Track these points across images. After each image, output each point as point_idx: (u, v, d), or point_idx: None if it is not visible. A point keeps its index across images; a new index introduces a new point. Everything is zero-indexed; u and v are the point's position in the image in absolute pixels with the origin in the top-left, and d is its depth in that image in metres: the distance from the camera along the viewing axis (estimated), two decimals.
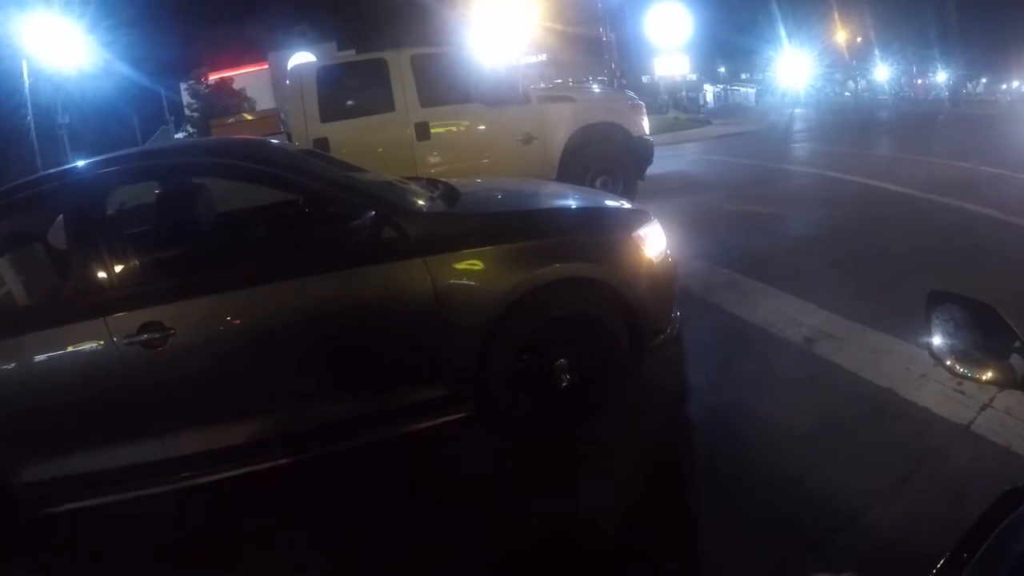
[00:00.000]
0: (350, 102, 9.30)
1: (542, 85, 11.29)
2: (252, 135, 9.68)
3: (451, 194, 4.15)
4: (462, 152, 9.13)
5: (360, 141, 8.59)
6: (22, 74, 20.33)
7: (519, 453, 3.71)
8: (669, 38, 26.07)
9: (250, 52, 31.24)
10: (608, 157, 9.55)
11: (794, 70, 37.68)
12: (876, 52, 56.04)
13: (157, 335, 3.16)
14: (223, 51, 30.73)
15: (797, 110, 30.17)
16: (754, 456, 3.50)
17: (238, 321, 3.37)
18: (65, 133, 23.08)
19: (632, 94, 11.38)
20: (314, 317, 3.43)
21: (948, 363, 1.54)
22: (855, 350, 4.54)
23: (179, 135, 24.96)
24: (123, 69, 23.81)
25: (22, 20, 19.13)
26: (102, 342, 3.16)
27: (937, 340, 1.55)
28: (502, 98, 9.14)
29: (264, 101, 26.62)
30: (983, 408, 3.69)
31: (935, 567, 1.11)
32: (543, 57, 22.25)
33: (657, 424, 3.98)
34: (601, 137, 9.58)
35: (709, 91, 52.73)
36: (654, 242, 3.99)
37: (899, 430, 3.63)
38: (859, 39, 54.55)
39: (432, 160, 8.96)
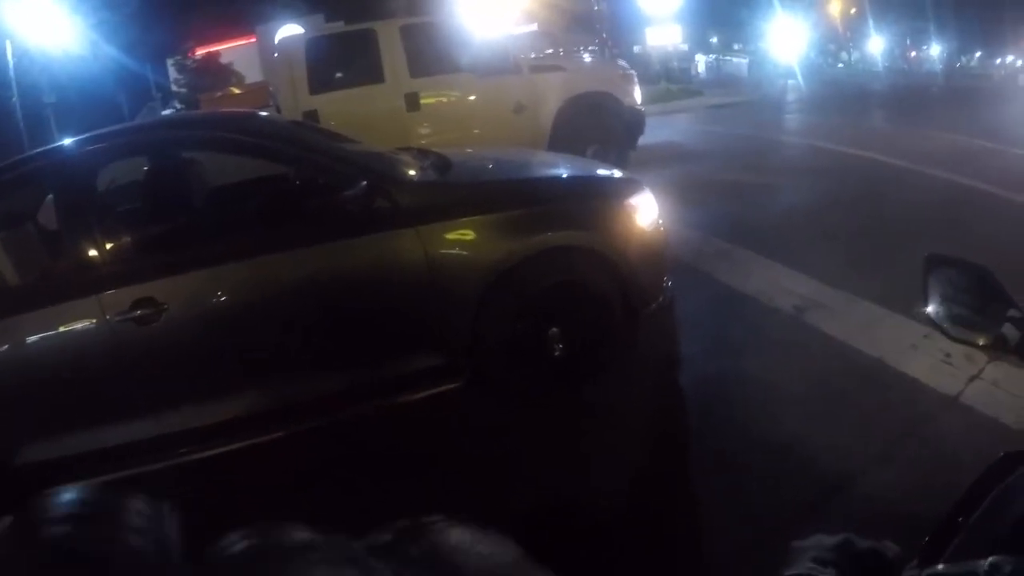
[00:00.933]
0: (339, 74, 9.22)
1: (532, 55, 11.17)
2: (241, 108, 9.59)
3: (442, 164, 4.13)
4: (453, 122, 9.07)
5: (350, 112, 8.52)
6: (6, 54, 20.07)
7: (513, 423, 3.71)
8: (661, 7, 25.86)
9: (237, 26, 30.80)
10: (599, 127, 9.48)
11: (787, 41, 37.41)
12: (870, 23, 55.79)
13: (150, 311, 3.15)
14: (210, 25, 30.33)
15: (790, 81, 29.98)
16: (746, 422, 3.53)
17: (231, 295, 3.37)
18: (51, 112, 22.85)
19: (624, 63, 11.31)
20: (307, 288, 3.42)
21: (943, 327, 1.54)
22: (845, 320, 4.56)
23: (166, 111, 24.69)
24: (109, 47, 23.51)
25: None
26: (95, 320, 3.15)
27: (933, 303, 1.55)
28: (493, 68, 9.06)
29: (252, 75, 26.27)
30: (972, 379, 3.72)
31: (930, 532, 1.12)
32: (533, 27, 22.06)
33: (650, 392, 4.01)
34: (592, 106, 9.52)
35: (701, 61, 52.30)
36: (645, 211, 3.98)
37: (889, 399, 3.65)
38: (853, 10, 54.29)
39: (423, 131, 8.90)
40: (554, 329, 3.73)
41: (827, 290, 5.04)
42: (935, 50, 57.91)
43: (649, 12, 26.46)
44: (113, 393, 3.25)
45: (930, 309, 1.55)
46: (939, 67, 49.64)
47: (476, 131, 9.06)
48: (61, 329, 3.17)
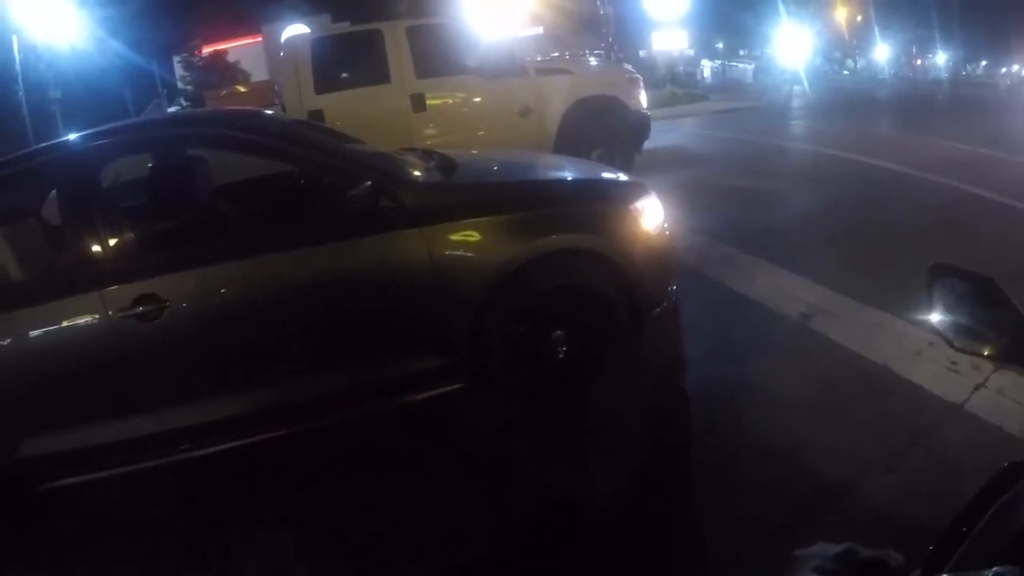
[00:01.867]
0: (345, 74, 9.23)
1: (538, 58, 11.17)
2: (246, 107, 9.59)
3: (448, 165, 4.12)
4: (458, 124, 9.07)
5: (355, 113, 8.51)
6: (12, 49, 20.09)
7: (516, 425, 3.70)
8: (667, 12, 25.90)
9: (244, 24, 30.90)
10: (605, 130, 9.47)
11: (793, 47, 37.39)
12: (876, 31, 55.80)
13: (152, 307, 3.14)
14: (217, 24, 30.40)
15: (795, 87, 29.97)
16: (749, 427, 3.52)
17: (234, 293, 3.35)
18: (57, 108, 22.87)
19: (630, 67, 11.31)
20: (310, 288, 3.41)
21: (949, 336, 1.53)
22: (851, 326, 4.54)
23: (172, 109, 24.72)
24: (115, 44, 23.56)
25: None
26: (97, 316, 3.14)
27: (938, 313, 1.54)
28: (499, 70, 9.05)
29: (258, 73, 26.37)
30: (977, 388, 3.70)
31: (933, 541, 1.10)
32: (540, 29, 22.08)
33: (654, 395, 3.99)
34: (598, 110, 9.50)
35: (706, 66, 52.42)
36: (651, 215, 3.96)
37: (893, 406, 3.64)
38: (859, 17, 54.30)
39: (428, 132, 8.90)
40: (558, 332, 3.71)
41: (833, 296, 5.02)
42: (941, 58, 57.92)
43: (655, 17, 26.52)
44: (114, 389, 3.23)
45: (935, 319, 1.54)
46: (945, 75, 49.66)
47: (481, 133, 9.06)
48: (63, 324, 3.15)
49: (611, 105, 9.65)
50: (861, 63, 64.58)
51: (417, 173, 3.87)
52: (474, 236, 3.52)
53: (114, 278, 3.18)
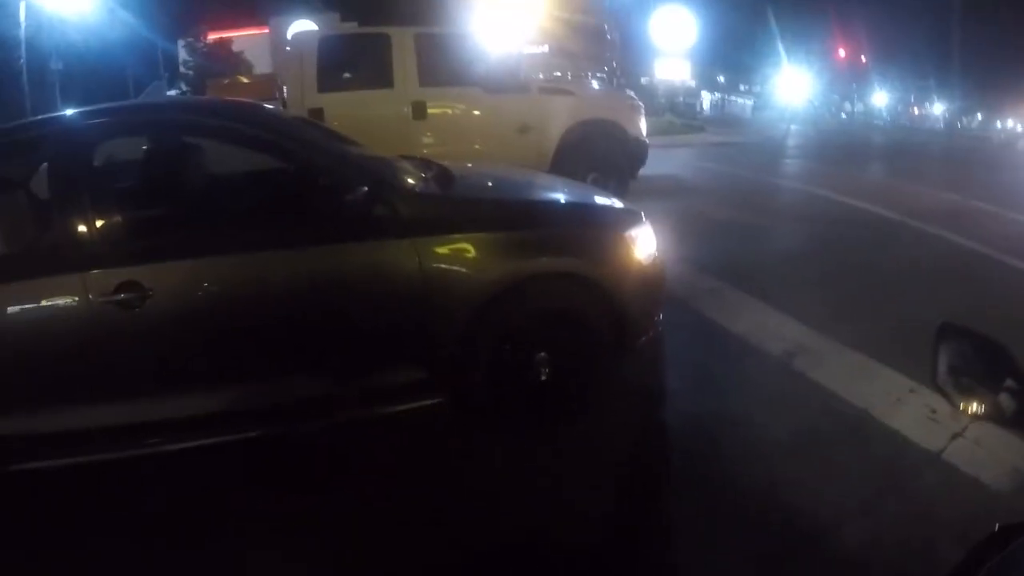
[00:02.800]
0: (349, 75, 9.23)
1: (541, 76, 11.21)
2: (246, 98, 9.56)
3: (445, 177, 4.11)
4: (457, 135, 9.08)
5: (355, 115, 8.49)
6: (19, 16, 19.98)
7: (492, 446, 3.68)
8: (673, 42, 26.04)
9: (251, 15, 30.84)
10: (603, 154, 9.51)
11: (792, 87, 37.80)
12: (875, 78, 56.51)
13: (134, 296, 3.08)
14: (225, 11, 30.36)
15: (793, 126, 30.25)
16: (727, 465, 3.51)
17: (218, 288, 3.30)
18: (57, 79, 22.72)
19: (632, 94, 11.36)
20: (297, 290, 3.38)
21: (947, 394, 1.54)
22: (833, 368, 4.55)
23: (172, 92, 24.57)
24: (122, 18, 23.46)
25: None
26: (77, 298, 3.08)
27: (942, 371, 1.55)
28: (502, 85, 9.08)
29: (261, 66, 26.28)
30: (954, 437, 3.72)
31: None
32: (545, 48, 22.14)
33: (633, 426, 3.97)
34: (598, 134, 9.55)
35: (706, 99, 52.86)
36: (644, 243, 3.97)
37: (871, 452, 3.64)
38: (860, 61, 54.90)
39: (426, 140, 8.90)
40: (542, 354, 3.69)
41: (816, 336, 5.04)
42: (938, 108, 58.65)
43: (660, 46, 26.65)
44: (88, 375, 3.17)
45: (939, 377, 1.55)
46: (941, 126, 50.27)
47: (478, 146, 9.08)
48: (41, 304, 3.09)
49: (611, 130, 9.69)
50: (859, 108, 65.30)
51: (414, 182, 3.85)
52: (467, 251, 3.50)
53: (98, 261, 3.13)
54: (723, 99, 61.18)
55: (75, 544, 2.95)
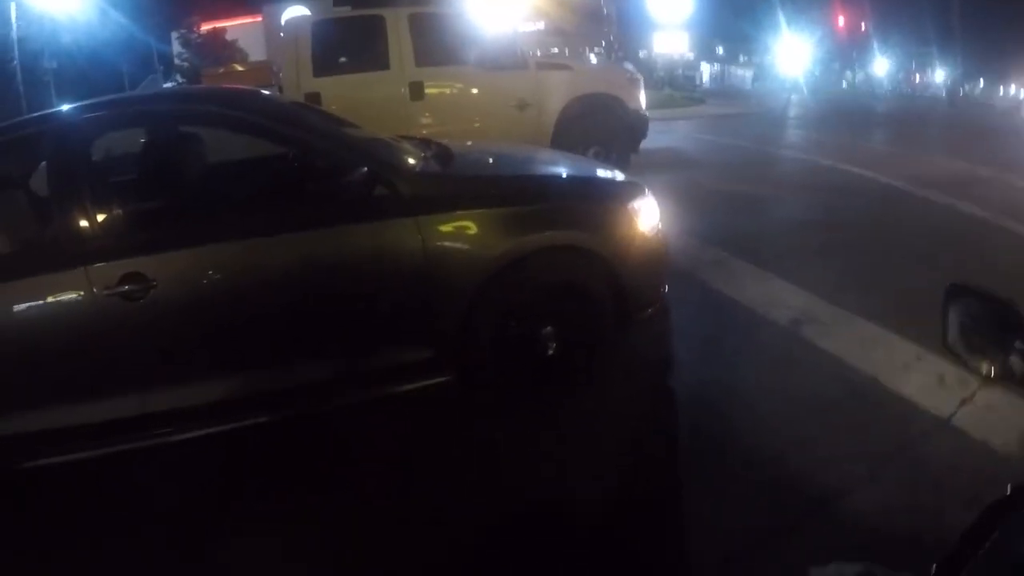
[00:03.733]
0: (344, 58, 9.17)
1: (538, 53, 11.14)
2: (243, 86, 9.52)
3: (445, 155, 4.09)
4: (455, 114, 9.04)
5: (352, 97, 8.46)
6: (9, 17, 19.91)
7: (501, 421, 3.68)
8: (670, 14, 25.88)
9: (244, 3, 30.75)
10: (603, 128, 9.47)
11: (792, 57, 37.53)
12: (875, 45, 56.05)
13: (138, 287, 3.08)
14: (217, 1, 30.25)
15: (793, 96, 30.07)
16: (735, 434, 3.51)
17: (222, 275, 3.29)
18: (51, 78, 22.67)
19: (630, 67, 11.29)
20: (300, 273, 3.36)
21: (959, 354, 1.53)
22: (840, 336, 4.54)
23: (168, 84, 24.53)
24: (113, 14, 23.34)
25: None
26: (82, 292, 3.07)
27: (952, 332, 1.54)
28: (499, 62, 9.03)
29: (257, 54, 26.23)
30: (963, 402, 3.70)
31: (935, 564, 1.09)
32: (541, 25, 21.98)
33: (641, 397, 3.97)
34: (597, 108, 9.51)
35: (706, 71, 52.56)
36: (647, 215, 3.94)
37: (880, 418, 3.63)
38: (860, 29, 54.48)
39: (424, 120, 8.87)
40: (548, 328, 3.69)
41: (823, 305, 5.02)
42: (939, 75, 58.23)
43: (658, 18, 26.50)
44: (95, 368, 3.17)
45: (949, 337, 1.54)
46: (943, 93, 49.88)
47: (477, 124, 9.02)
48: (47, 300, 3.09)
49: (610, 104, 9.64)
50: (860, 76, 64.83)
51: (413, 162, 3.83)
52: (469, 228, 3.48)
53: (100, 255, 3.11)
54: (723, 71, 60.80)
55: (75, 544, 2.95)
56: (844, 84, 63.18)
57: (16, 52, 20.70)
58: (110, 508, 3.15)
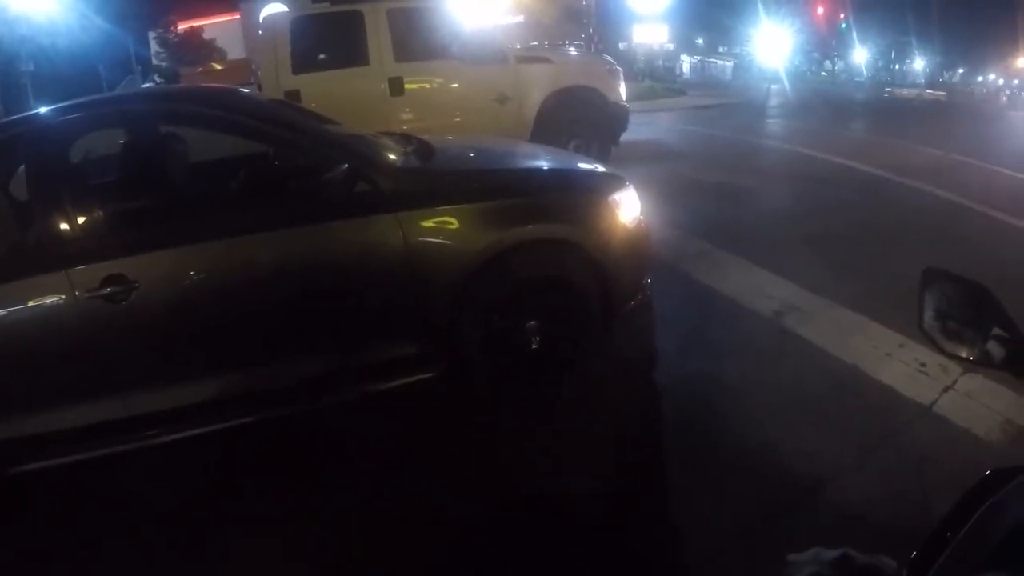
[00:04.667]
0: (323, 54, 9.10)
1: (518, 46, 11.13)
2: (222, 84, 9.45)
3: (425, 150, 4.07)
4: (435, 109, 9.00)
5: (332, 94, 8.41)
6: None
7: (487, 416, 3.68)
8: (649, 5, 25.90)
9: (222, 1, 30.56)
10: (583, 121, 9.47)
11: (773, 46, 37.64)
12: (855, 35, 56.37)
13: (120, 289, 3.05)
14: (194, 0, 30.06)
15: (773, 86, 30.17)
16: (719, 424, 3.52)
17: (204, 275, 3.26)
18: (28, 81, 22.45)
19: (610, 59, 11.29)
20: (283, 271, 3.34)
21: (937, 340, 1.54)
22: (823, 325, 4.57)
23: (146, 85, 24.34)
24: (90, 17, 23.14)
25: None
26: (63, 296, 3.04)
27: (928, 316, 1.54)
28: (479, 56, 9.00)
29: (235, 52, 26.10)
30: (945, 390, 3.75)
31: (918, 547, 1.10)
32: (520, 18, 21.97)
33: (626, 389, 3.98)
34: (577, 101, 9.48)
35: (686, 62, 52.70)
36: (629, 208, 3.94)
37: (863, 406, 3.66)
38: (839, 19, 54.78)
39: (405, 116, 8.83)
40: (532, 322, 3.68)
41: (805, 295, 5.05)
42: (919, 64, 58.67)
43: (637, 10, 26.52)
44: (80, 372, 3.14)
45: (924, 322, 1.54)
46: (922, 81, 50.25)
47: (458, 119, 9.00)
48: (28, 304, 3.05)
49: (590, 96, 9.63)
50: (840, 65, 65.20)
51: (394, 158, 3.81)
52: (450, 223, 3.47)
53: (81, 258, 3.09)
54: (703, 62, 60.96)
55: (76, 544, 2.93)
56: (824, 73, 63.50)
57: None
58: (110, 508, 3.13)
